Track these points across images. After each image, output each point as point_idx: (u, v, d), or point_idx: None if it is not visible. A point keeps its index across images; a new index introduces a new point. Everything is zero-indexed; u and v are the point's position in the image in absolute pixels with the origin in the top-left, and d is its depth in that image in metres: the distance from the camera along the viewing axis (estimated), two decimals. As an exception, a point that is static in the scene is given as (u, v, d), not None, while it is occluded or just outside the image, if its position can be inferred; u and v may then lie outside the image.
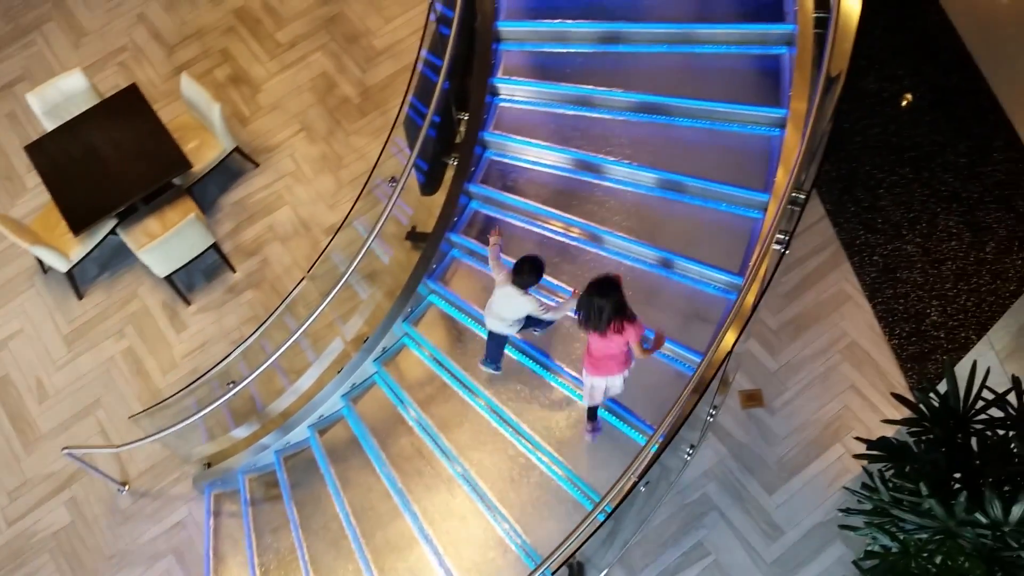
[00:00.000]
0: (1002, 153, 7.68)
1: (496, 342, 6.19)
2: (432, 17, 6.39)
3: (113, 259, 7.98)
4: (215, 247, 7.66)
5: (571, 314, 5.57)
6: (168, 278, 7.58)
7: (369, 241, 6.05)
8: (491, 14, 7.00)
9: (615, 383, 5.56)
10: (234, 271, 7.88)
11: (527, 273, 5.51)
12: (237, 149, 7.91)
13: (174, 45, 8.75)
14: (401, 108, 6.42)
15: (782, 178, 5.90)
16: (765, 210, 6.07)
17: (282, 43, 8.70)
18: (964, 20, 8.22)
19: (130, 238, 7.43)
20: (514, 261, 5.60)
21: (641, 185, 6.51)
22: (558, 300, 6.07)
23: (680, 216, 6.41)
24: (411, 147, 6.31)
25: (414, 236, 7.06)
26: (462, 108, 6.92)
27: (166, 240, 7.11)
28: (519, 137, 6.81)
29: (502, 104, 7.01)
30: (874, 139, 7.85)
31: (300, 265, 7.81)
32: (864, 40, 7.93)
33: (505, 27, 6.96)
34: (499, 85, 6.96)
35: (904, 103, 8.02)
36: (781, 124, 6.16)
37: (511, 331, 5.96)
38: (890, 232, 7.51)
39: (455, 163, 6.89)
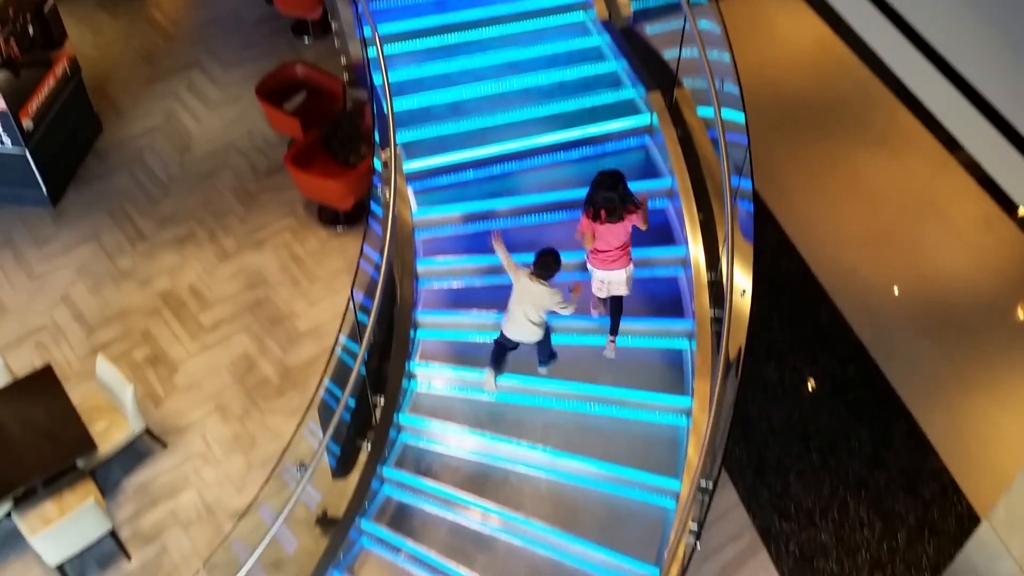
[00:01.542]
0: (904, 440, 7.97)
1: (502, 351, 6.43)
2: (351, 306, 6.62)
3: (4, 544, 7.47)
4: (112, 534, 7.26)
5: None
6: (59, 567, 7.09)
7: (272, 531, 5.82)
8: (410, 302, 7.30)
9: (621, 278, 6.24)
10: (129, 559, 7.42)
11: (554, 264, 5.83)
12: (147, 430, 7.75)
13: (95, 325, 8.80)
14: (316, 393, 6.46)
15: (692, 461, 6.00)
16: (677, 497, 6.10)
17: (205, 325, 8.82)
18: (855, 314, 8.84)
19: (24, 523, 7.02)
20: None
21: (555, 471, 6.52)
22: (567, 295, 6.05)
23: (594, 503, 6.39)
24: (325, 430, 6.29)
25: (324, 521, 6.83)
26: (378, 391, 7.00)
27: (60, 527, 6.74)
28: (434, 421, 6.86)
29: (419, 389, 7.12)
30: (779, 426, 8.10)
31: (200, 553, 7.40)
32: (762, 332, 8.44)
33: (423, 316, 7.23)
34: (416, 371, 7.10)
35: (808, 389, 8.39)
36: (687, 412, 6.35)
37: (537, 335, 6.12)
38: (803, 520, 7.54)
39: (369, 446, 6.84)
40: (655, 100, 7.60)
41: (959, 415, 8.11)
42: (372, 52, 7.50)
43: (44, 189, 9.55)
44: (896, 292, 9.08)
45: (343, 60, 9.17)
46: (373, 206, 7.20)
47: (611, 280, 6.26)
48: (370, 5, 7.69)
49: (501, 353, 6.48)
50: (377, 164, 7.29)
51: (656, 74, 7.80)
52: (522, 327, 6.10)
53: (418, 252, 7.47)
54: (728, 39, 6.89)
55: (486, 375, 6.54)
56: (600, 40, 8.23)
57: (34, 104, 9.18)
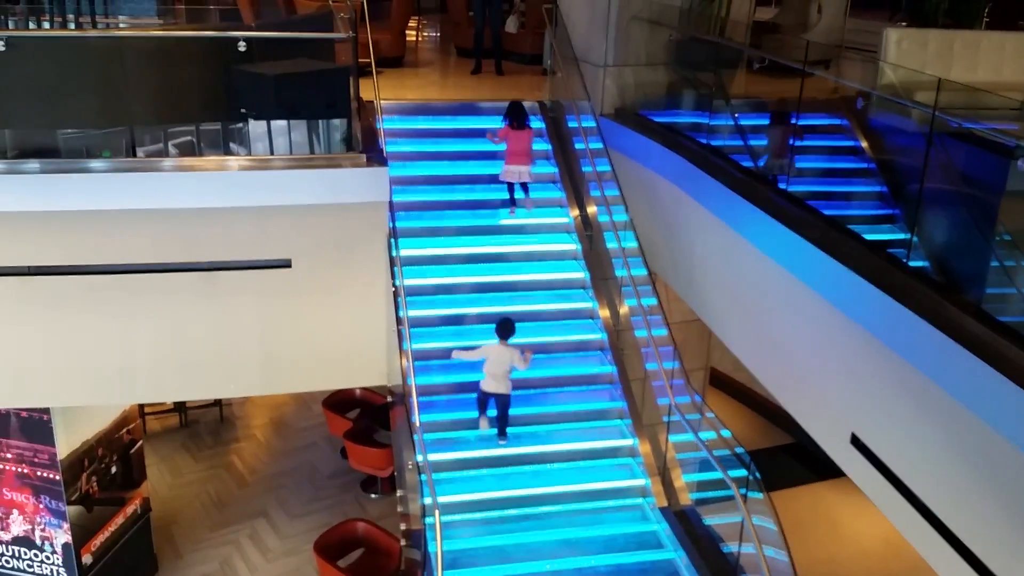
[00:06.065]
0: None
1: (485, 400, 8.23)
2: None
3: None
4: None
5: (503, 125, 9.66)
6: None
7: None
8: None
9: (526, 169, 9.49)
10: None
11: (510, 326, 7.95)
12: None
13: None
14: None
15: None
16: None
17: None
18: None
19: None
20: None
21: None
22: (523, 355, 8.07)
23: None
24: None
25: None
26: None
27: None
28: None
29: None
30: None
31: None
32: None
33: None
34: None
35: None
36: None
37: (508, 388, 8.03)
38: None
39: None
40: (717, 600, 7.33)
41: None
42: (430, 519, 7.58)
43: (81, 629, 9.37)
44: None
45: (403, 525, 9.28)
46: None
47: (520, 170, 9.51)
48: (435, 474, 7.94)
49: (485, 400, 8.26)
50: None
51: (715, 569, 7.60)
52: (499, 382, 7.98)
53: None
54: (785, 539, 6.78)
55: (481, 421, 8.35)
56: (658, 527, 8.20)
57: (98, 540, 9.40)
